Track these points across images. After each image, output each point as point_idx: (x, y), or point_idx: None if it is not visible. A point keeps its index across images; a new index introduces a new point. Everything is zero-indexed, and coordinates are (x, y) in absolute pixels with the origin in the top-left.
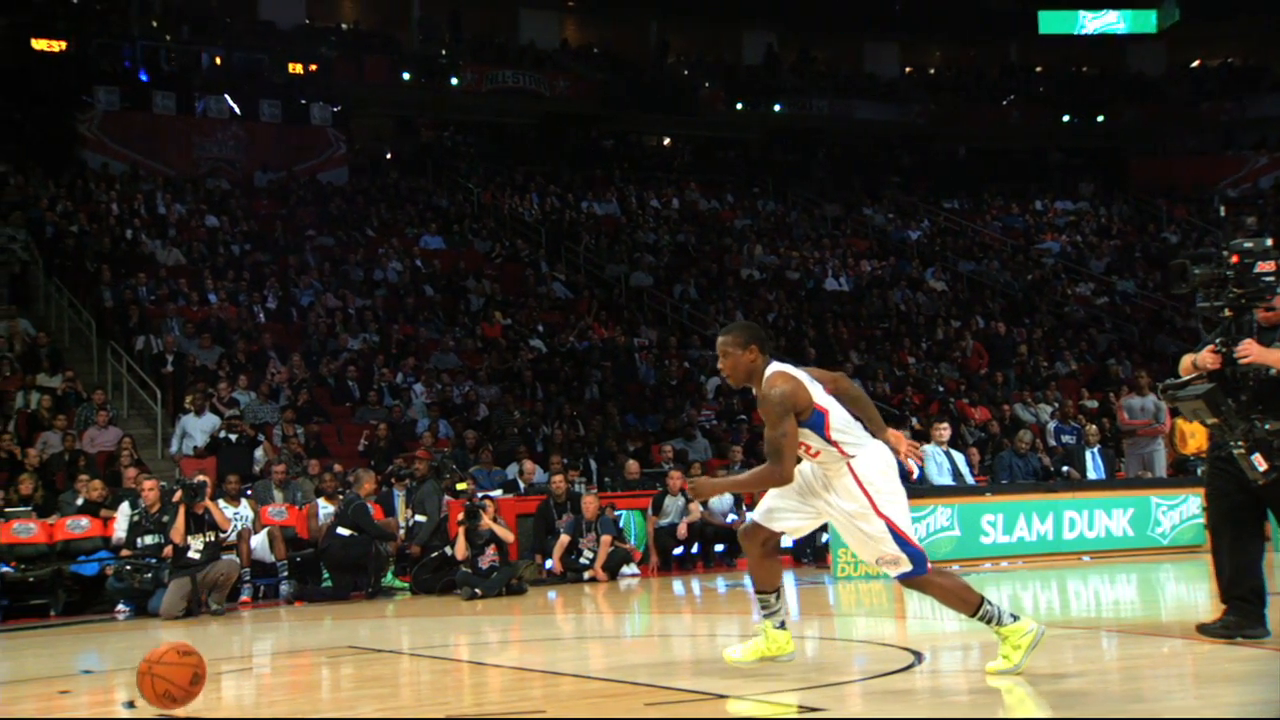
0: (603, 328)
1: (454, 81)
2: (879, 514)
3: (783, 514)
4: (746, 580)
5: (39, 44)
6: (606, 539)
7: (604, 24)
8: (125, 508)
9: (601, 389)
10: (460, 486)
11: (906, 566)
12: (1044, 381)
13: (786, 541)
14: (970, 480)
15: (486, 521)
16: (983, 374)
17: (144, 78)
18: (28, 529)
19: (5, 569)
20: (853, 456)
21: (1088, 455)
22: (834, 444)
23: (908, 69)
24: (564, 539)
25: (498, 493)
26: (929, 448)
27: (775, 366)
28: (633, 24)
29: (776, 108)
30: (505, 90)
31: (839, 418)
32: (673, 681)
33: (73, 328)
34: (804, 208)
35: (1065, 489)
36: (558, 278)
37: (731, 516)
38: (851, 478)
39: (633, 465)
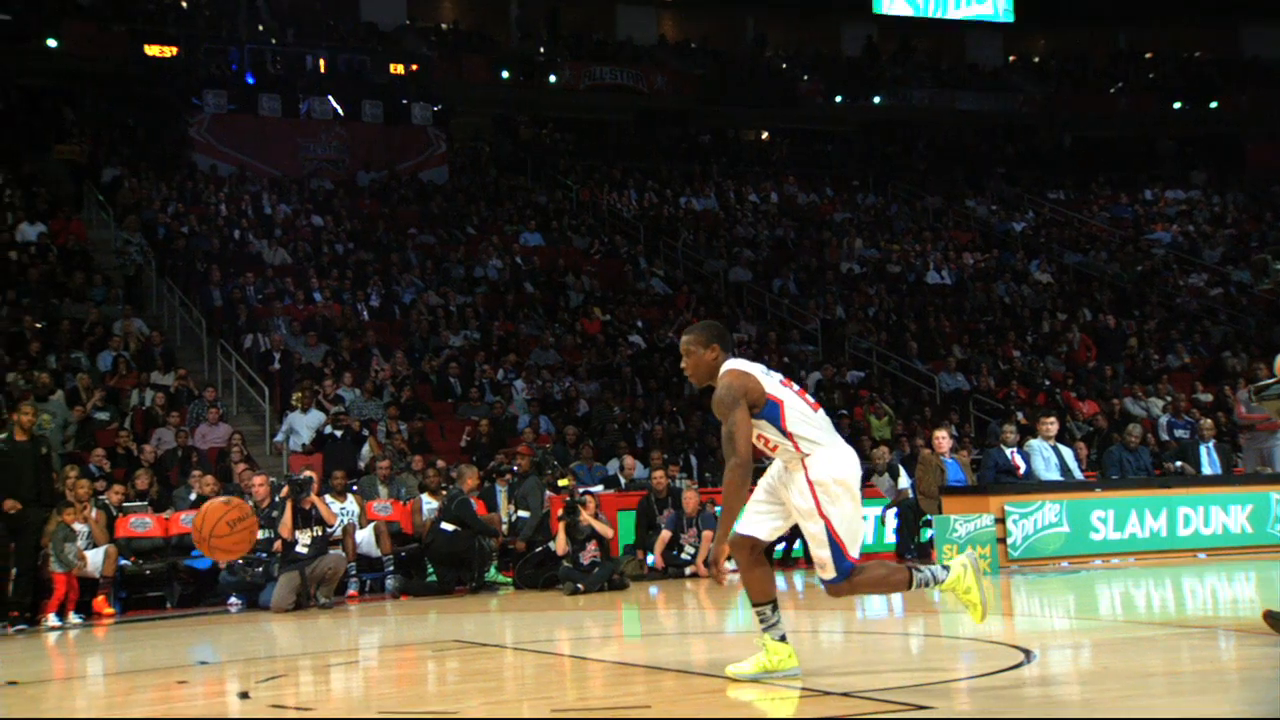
0: None
1: (552, 79)
2: (821, 515)
3: (760, 517)
4: None
5: (151, 50)
6: (708, 534)
7: (701, 19)
8: None
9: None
10: (561, 482)
11: (831, 574)
12: (1155, 375)
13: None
14: (1078, 475)
15: (586, 517)
16: (1090, 367)
17: (250, 81)
18: (144, 523)
19: (123, 562)
20: (808, 454)
21: (1202, 450)
22: (790, 437)
23: (1012, 58)
24: (665, 534)
25: (599, 488)
26: (1035, 442)
27: (730, 363)
28: (730, 18)
29: (876, 100)
30: (603, 87)
31: (796, 409)
32: (775, 679)
33: (184, 327)
34: (905, 200)
35: (1180, 484)
36: (656, 273)
37: None
38: (804, 475)
39: None
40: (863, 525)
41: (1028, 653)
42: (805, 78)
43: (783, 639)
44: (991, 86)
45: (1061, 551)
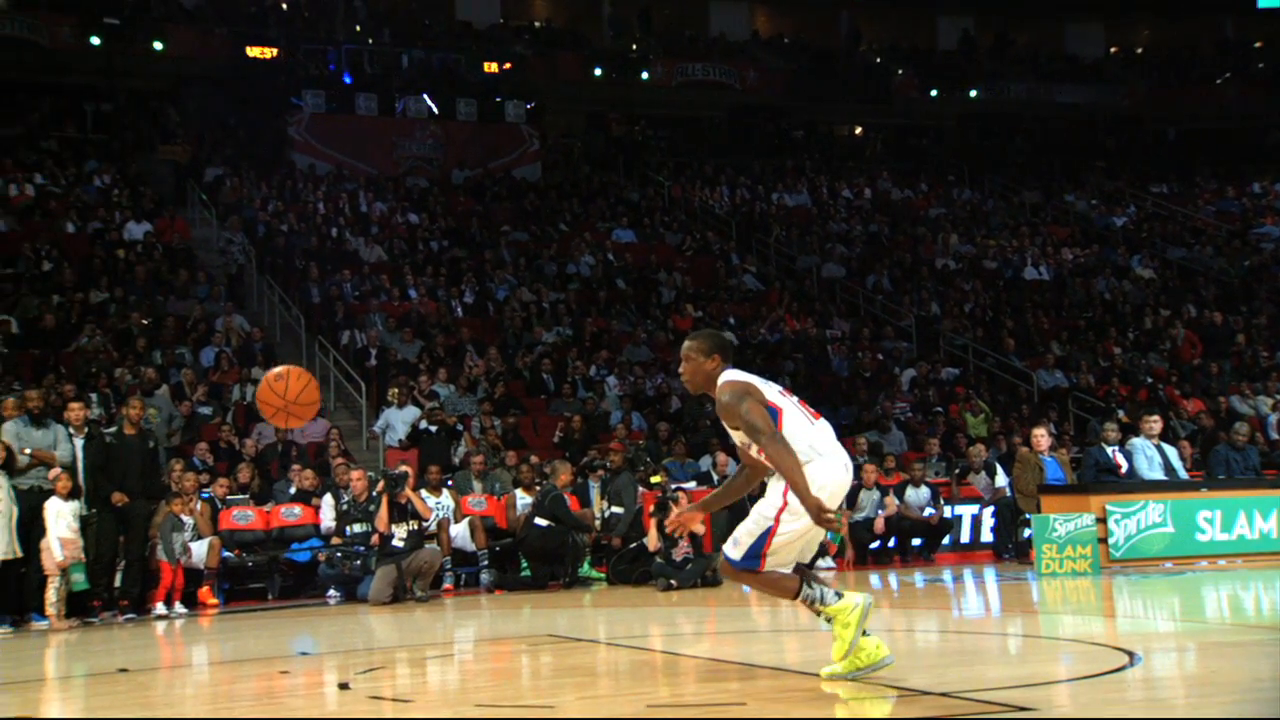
0: (794, 319)
1: (644, 76)
2: (775, 518)
3: None
4: (946, 575)
5: (253, 51)
6: None
7: (795, 13)
8: (329, 499)
9: (794, 381)
10: (654, 479)
11: (737, 556)
12: (1264, 372)
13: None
14: (1182, 475)
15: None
16: (1196, 364)
17: (348, 80)
18: (246, 516)
19: (226, 555)
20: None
21: None
22: None
23: (1113, 49)
24: None
25: (691, 485)
26: (1138, 440)
27: (729, 373)
28: (824, 12)
29: (972, 93)
30: (695, 83)
31: (794, 418)
32: (871, 676)
33: (283, 323)
34: (1001, 195)
35: None
36: (749, 270)
37: (929, 510)
38: (783, 484)
39: None
40: (794, 557)
41: (1131, 655)
42: (900, 71)
43: (864, 634)
44: (1092, 78)
45: (1166, 552)
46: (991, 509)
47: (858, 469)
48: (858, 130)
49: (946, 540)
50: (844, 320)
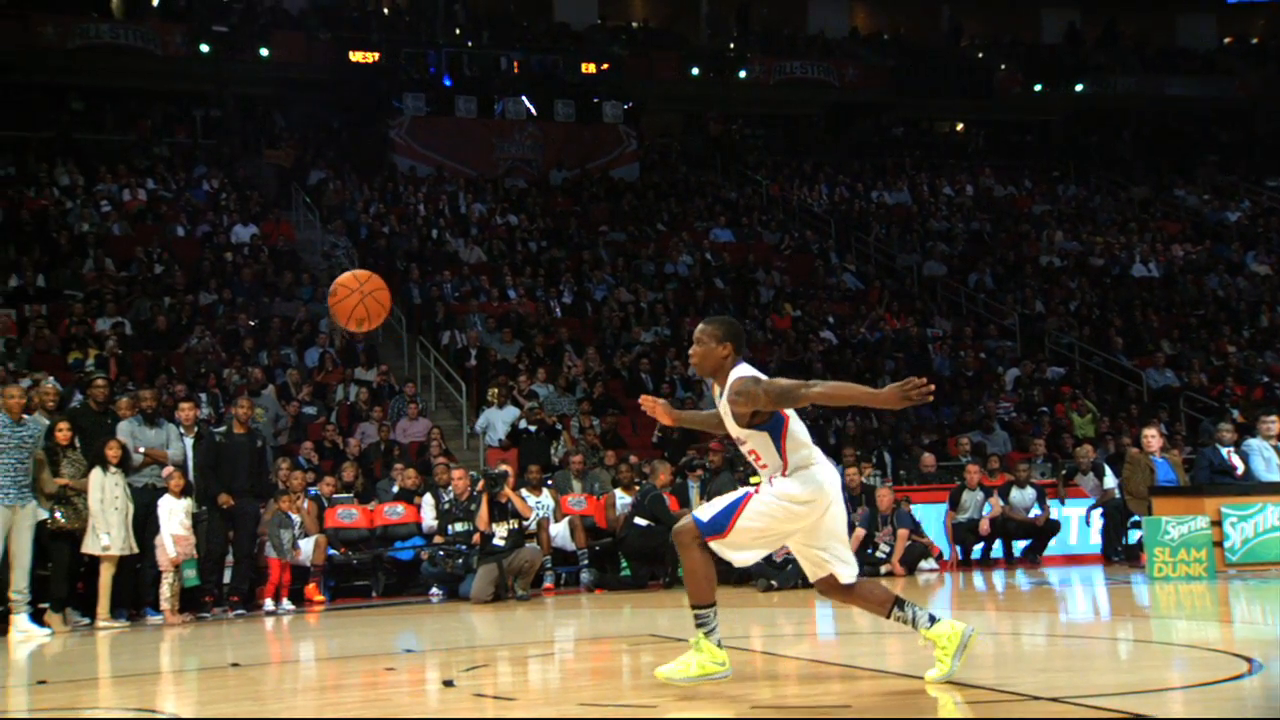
0: (895, 318)
1: (742, 74)
2: (744, 500)
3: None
4: (1053, 577)
5: (355, 56)
6: (903, 533)
7: (894, 9)
8: (430, 498)
9: (895, 380)
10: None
11: (703, 518)
12: None
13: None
14: None
15: None
16: None
17: (447, 83)
18: (350, 514)
19: (332, 552)
20: (792, 473)
21: None
22: (784, 454)
23: (1227, 39)
24: (859, 533)
25: None
26: (1254, 441)
27: (744, 369)
28: (924, 7)
29: (1079, 87)
30: (793, 81)
31: (797, 428)
32: (975, 679)
33: (385, 324)
34: (1109, 191)
35: None
36: (848, 268)
37: (1035, 511)
38: (770, 481)
39: (928, 458)
40: (760, 541)
41: (1251, 662)
42: (1003, 66)
43: (932, 621)
44: (1204, 70)
45: None
46: (1100, 511)
47: (960, 469)
48: (959, 126)
49: (1053, 542)
50: (945, 319)
